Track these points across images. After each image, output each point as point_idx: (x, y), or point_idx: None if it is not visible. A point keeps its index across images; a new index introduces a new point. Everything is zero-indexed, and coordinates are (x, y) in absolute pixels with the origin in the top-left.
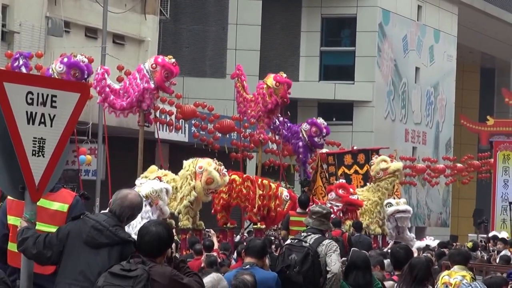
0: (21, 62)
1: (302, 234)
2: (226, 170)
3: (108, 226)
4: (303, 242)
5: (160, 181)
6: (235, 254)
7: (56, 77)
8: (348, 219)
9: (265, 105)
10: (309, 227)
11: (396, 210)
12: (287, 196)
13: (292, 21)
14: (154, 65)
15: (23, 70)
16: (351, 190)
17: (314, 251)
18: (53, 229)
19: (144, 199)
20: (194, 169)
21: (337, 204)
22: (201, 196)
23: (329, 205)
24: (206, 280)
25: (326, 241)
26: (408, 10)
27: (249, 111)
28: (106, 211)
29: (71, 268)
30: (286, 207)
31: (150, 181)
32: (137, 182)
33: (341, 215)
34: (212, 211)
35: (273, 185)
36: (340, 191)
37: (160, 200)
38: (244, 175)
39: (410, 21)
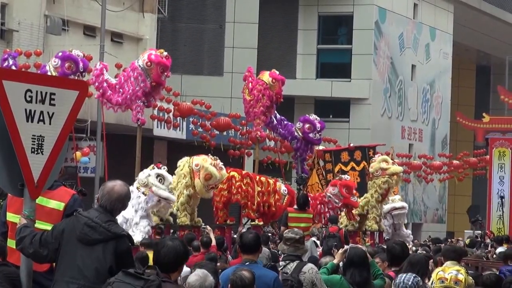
0: (10, 62)
1: (281, 263)
2: (223, 164)
3: (100, 223)
4: (284, 274)
5: (158, 168)
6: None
7: (53, 73)
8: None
9: (262, 102)
10: (285, 254)
11: (393, 208)
12: (285, 190)
13: (289, 19)
14: (149, 63)
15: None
16: (354, 191)
17: (297, 281)
18: (49, 227)
19: (137, 191)
20: (189, 168)
21: (336, 200)
22: (203, 193)
23: (328, 199)
24: (192, 278)
25: (305, 267)
26: (404, 8)
27: (250, 109)
28: (97, 206)
29: (67, 266)
30: (285, 201)
31: (149, 170)
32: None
33: (338, 212)
34: (214, 208)
35: (271, 181)
36: (344, 190)
37: (153, 186)
38: (244, 172)
39: (406, 19)
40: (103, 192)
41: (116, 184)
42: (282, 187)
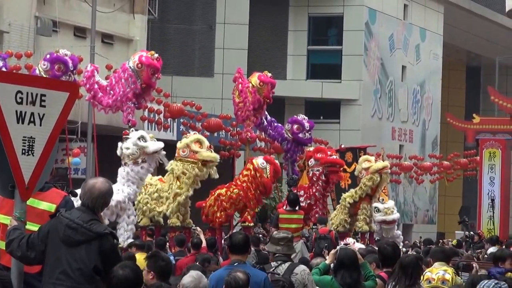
0: (1, 64)
1: (272, 264)
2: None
3: (82, 223)
4: (275, 275)
5: (126, 135)
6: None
7: (44, 75)
8: (333, 183)
9: (247, 106)
10: (277, 254)
11: (383, 220)
12: (263, 163)
13: (280, 20)
14: (139, 64)
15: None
16: (329, 152)
17: (289, 282)
18: None
19: (130, 162)
20: (181, 167)
21: (318, 168)
22: (208, 158)
23: (311, 173)
24: (186, 280)
25: (297, 269)
26: (394, 9)
27: (239, 112)
28: (79, 205)
29: (53, 267)
30: (268, 172)
31: (126, 142)
32: (119, 144)
33: (324, 178)
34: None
35: (249, 166)
36: (318, 155)
37: (144, 148)
38: (224, 185)
39: (396, 20)
40: (85, 190)
41: (97, 181)
42: (259, 160)
